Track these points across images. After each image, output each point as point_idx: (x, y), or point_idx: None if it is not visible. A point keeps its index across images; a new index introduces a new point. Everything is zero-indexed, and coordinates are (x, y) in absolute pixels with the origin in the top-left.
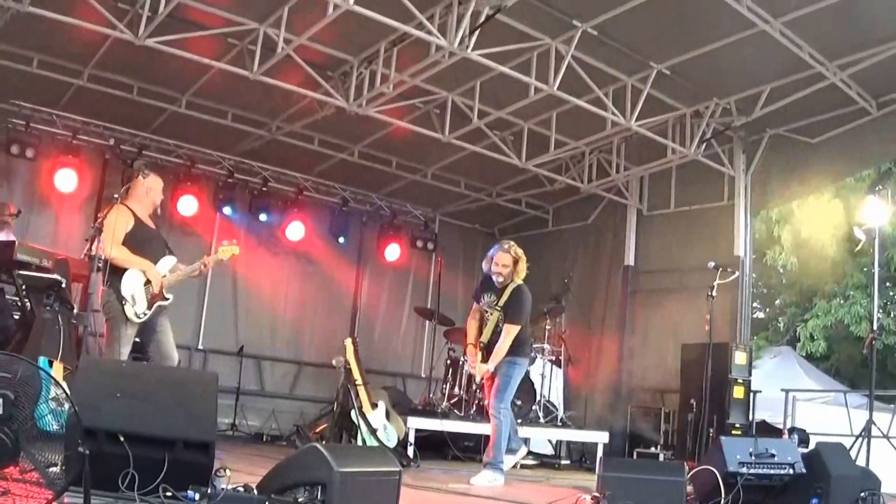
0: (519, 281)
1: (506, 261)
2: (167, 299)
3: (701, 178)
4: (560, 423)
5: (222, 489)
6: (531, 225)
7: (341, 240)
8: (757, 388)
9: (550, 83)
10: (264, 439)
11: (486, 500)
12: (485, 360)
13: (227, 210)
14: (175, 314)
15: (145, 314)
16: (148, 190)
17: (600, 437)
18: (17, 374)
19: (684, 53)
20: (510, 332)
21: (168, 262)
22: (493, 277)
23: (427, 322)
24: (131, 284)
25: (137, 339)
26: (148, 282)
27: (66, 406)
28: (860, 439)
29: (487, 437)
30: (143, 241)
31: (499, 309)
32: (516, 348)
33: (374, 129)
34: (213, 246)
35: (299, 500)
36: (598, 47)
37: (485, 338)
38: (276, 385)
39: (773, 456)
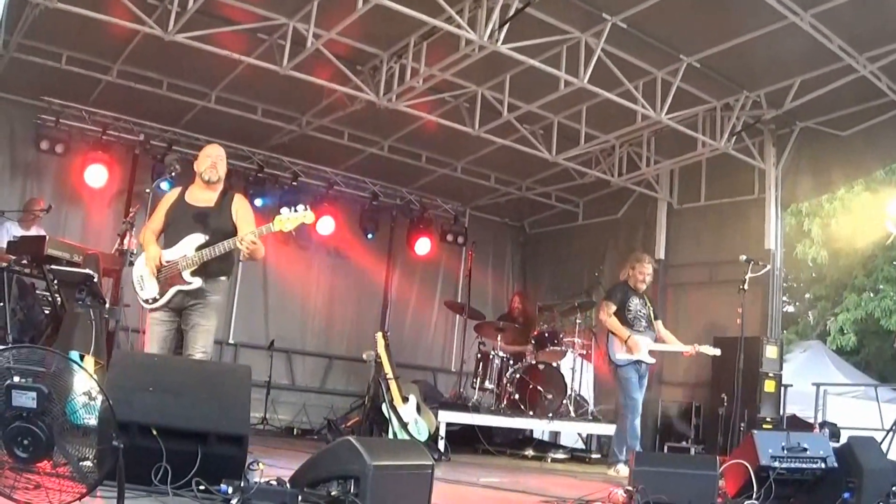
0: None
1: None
2: (189, 283)
3: (731, 171)
4: (591, 418)
5: (255, 483)
6: (561, 219)
7: (371, 234)
8: (787, 382)
9: (580, 76)
10: (295, 433)
11: (517, 495)
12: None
13: (257, 203)
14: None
15: (155, 299)
16: (205, 158)
17: None
18: (51, 368)
19: (714, 46)
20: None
21: (193, 240)
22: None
23: (457, 316)
24: (138, 269)
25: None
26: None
27: (99, 400)
28: (891, 433)
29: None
30: (171, 223)
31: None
32: None
33: (403, 123)
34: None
35: (332, 493)
36: (627, 40)
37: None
38: (306, 379)
39: (805, 450)
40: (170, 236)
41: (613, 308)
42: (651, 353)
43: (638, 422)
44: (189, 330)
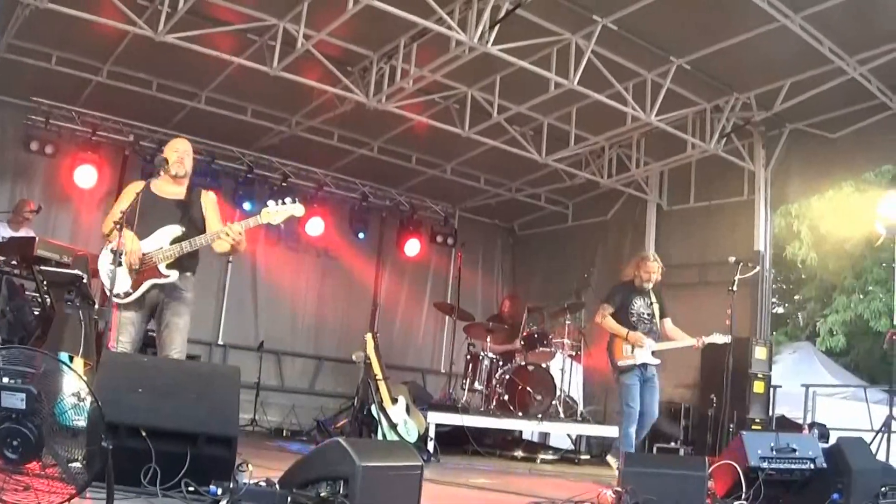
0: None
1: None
2: (166, 276)
3: (721, 173)
4: (580, 418)
5: (244, 484)
6: (551, 220)
7: (361, 235)
8: (777, 383)
9: (570, 78)
10: (284, 434)
11: (507, 496)
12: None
13: (246, 206)
14: (195, 309)
15: (128, 293)
16: (171, 151)
17: None
18: (40, 369)
19: (704, 48)
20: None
21: (168, 231)
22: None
23: (447, 317)
24: (105, 261)
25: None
26: (117, 261)
27: (89, 401)
28: (880, 434)
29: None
30: (141, 214)
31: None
32: None
33: (393, 124)
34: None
35: (321, 494)
36: (618, 42)
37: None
38: (295, 380)
39: (794, 451)
40: (141, 228)
41: (610, 310)
42: (655, 353)
43: (633, 429)
44: (164, 329)
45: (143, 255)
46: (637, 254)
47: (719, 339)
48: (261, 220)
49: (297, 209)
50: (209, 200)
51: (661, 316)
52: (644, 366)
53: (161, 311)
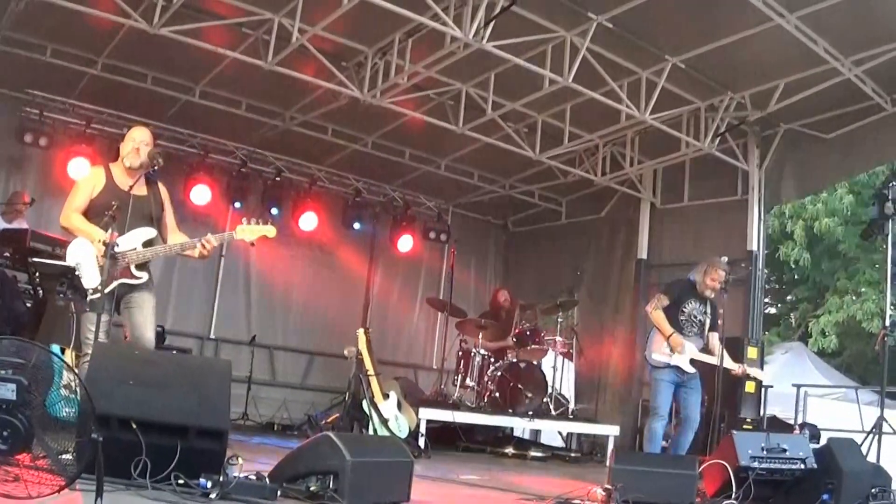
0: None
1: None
2: (137, 278)
3: (715, 172)
4: (571, 416)
5: (234, 477)
6: (544, 217)
7: (355, 227)
8: (768, 383)
9: (565, 75)
10: (275, 429)
11: (497, 492)
12: None
13: (239, 199)
14: (186, 303)
15: (97, 289)
16: (129, 140)
17: (611, 431)
18: (31, 361)
19: (700, 47)
20: None
21: (142, 233)
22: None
23: (439, 313)
24: (75, 254)
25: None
26: (110, 254)
27: (79, 393)
28: (871, 435)
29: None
30: (109, 208)
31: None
32: None
33: (387, 119)
34: None
35: (311, 488)
36: (613, 40)
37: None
38: (287, 375)
39: (784, 451)
40: (117, 224)
41: (665, 302)
42: (693, 363)
43: (659, 427)
44: (136, 308)
45: (118, 253)
46: (708, 258)
47: (759, 374)
48: (235, 236)
49: (269, 230)
50: (167, 196)
51: (711, 328)
52: (679, 370)
53: (128, 299)
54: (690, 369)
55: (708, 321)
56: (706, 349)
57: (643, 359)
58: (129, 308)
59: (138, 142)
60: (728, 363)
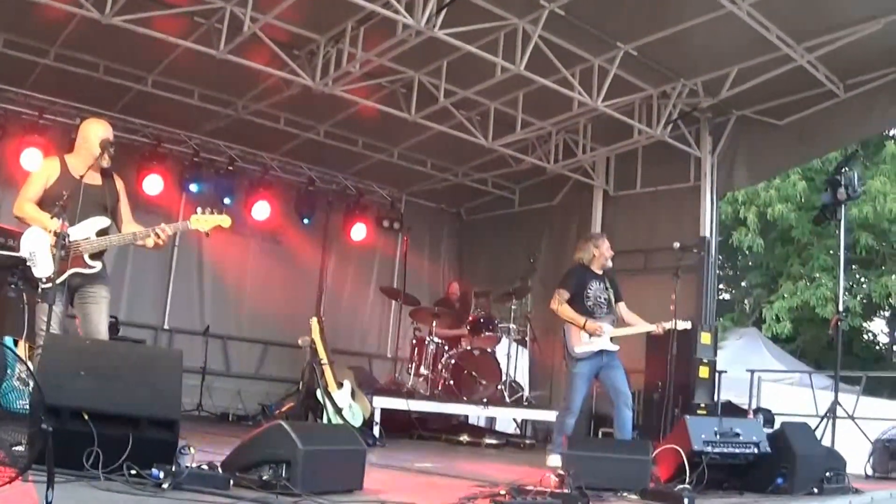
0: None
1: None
2: (91, 267)
3: (667, 159)
4: (525, 403)
5: (187, 467)
6: (497, 205)
7: (307, 219)
8: (722, 368)
9: (517, 63)
10: (230, 419)
11: (451, 479)
12: None
13: (193, 188)
14: (140, 293)
15: (50, 279)
16: (84, 139)
17: None
18: None
19: (652, 34)
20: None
21: (96, 222)
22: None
23: (393, 302)
24: (29, 244)
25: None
26: (60, 244)
27: (31, 384)
28: (825, 420)
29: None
30: (69, 198)
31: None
32: None
33: (340, 108)
34: None
35: (263, 477)
36: (565, 27)
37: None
38: (241, 365)
39: (737, 435)
40: (68, 214)
41: (567, 296)
42: (613, 339)
43: (570, 423)
44: (91, 303)
45: (70, 242)
46: (587, 235)
47: (680, 325)
48: (190, 225)
49: (224, 220)
50: (122, 186)
51: (617, 300)
52: (602, 352)
53: (86, 291)
54: (614, 346)
55: (612, 295)
56: (621, 322)
57: (564, 357)
58: (84, 303)
59: (92, 138)
60: (646, 327)
